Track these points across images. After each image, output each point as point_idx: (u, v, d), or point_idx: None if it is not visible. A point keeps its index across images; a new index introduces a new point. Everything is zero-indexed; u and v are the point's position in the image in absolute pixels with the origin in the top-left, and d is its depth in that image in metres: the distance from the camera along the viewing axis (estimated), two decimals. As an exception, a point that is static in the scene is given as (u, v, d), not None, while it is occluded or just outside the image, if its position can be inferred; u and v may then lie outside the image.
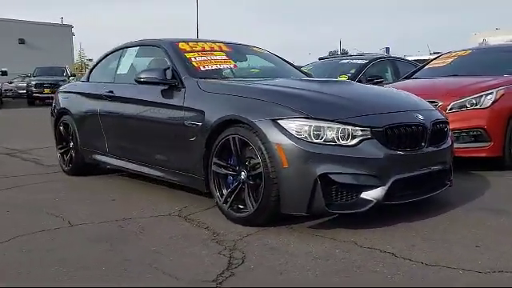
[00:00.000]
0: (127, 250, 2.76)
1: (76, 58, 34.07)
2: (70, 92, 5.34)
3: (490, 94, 4.88)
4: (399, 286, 2.25)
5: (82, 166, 5.04)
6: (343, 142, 2.92)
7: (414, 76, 6.35)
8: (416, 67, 8.21)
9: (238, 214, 3.21)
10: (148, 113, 3.98)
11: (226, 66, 4.17)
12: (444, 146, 3.42)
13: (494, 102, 4.85)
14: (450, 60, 6.28)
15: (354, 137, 2.94)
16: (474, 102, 4.87)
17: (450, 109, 4.82)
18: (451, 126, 3.85)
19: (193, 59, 4.01)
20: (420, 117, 3.23)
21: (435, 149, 3.30)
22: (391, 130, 3.03)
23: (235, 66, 4.25)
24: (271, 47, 4.99)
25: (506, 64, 5.82)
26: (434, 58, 6.76)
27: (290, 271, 2.43)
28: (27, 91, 19.23)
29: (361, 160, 2.91)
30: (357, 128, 2.94)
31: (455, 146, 3.83)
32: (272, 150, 2.94)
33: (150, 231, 3.12)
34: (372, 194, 2.95)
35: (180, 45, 4.19)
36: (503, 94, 4.92)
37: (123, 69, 4.65)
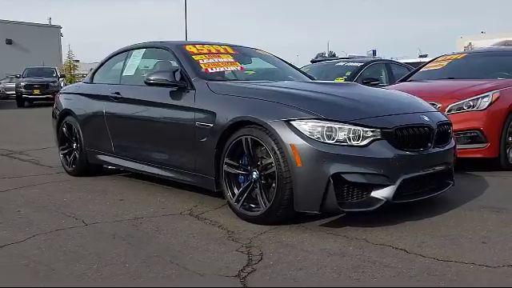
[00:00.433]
0: (147, 248, 2.83)
1: (65, 58, 33.84)
2: (73, 93, 5.37)
3: (486, 96, 5.04)
4: (403, 286, 2.34)
5: (85, 167, 5.08)
6: (354, 143, 3.02)
7: (410, 78, 6.50)
8: (408, 70, 8.40)
9: (250, 213, 3.29)
10: (157, 114, 4.04)
11: (233, 68, 4.25)
12: (448, 146, 3.54)
13: (490, 105, 5.00)
14: (446, 63, 6.43)
15: (364, 137, 3.04)
16: (471, 104, 5.02)
17: (448, 111, 4.96)
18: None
19: (200, 61, 4.09)
20: (426, 118, 3.35)
21: (440, 149, 3.42)
22: (400, 131, 3.14)
23: (242, 68, 4.34)
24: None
25: (499, 67, 6.00)
26: (430, 61, 6.91)
27: (309, 267, 2.51)
28: (17, 92, 19.06)
29: (371, 160, 3.02)
30: (367, 129, 3.05)
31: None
32: (286, 150, 3.03)
33: (165, 230, 3.19)
34: (382, 193, 3.06)
35: (187, 47, 4.27)
36: (498, 97, 5.07)
37: (129, 70, 4.70)
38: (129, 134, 4.44)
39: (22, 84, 18.90)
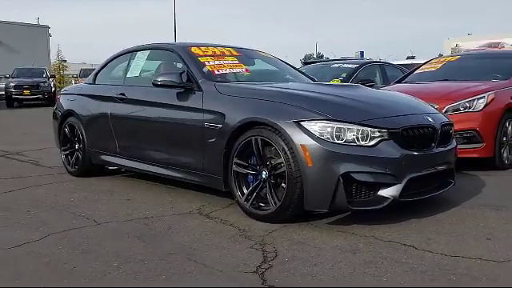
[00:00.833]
0: (162, 246, 2.89)
1: (54, 59, 33.62)
2: (75, 94, 5.40)
3: (482, 98, 5.18)
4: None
5: (88, 167, 5.11)
6: (363, 143, 3.12)
7: (405, 80, 6.63)
8: (401, 71, 8.55)
9: (260, 212, 3.37)
10: (164, 115, 4.10)
11: (238, 69, 4.33)
12: (449, 146, 3.66)
13: (485, 106, 5.15)
14: (440, 65, 6.58)
15: (372, 138, 3.14)
16: (468, 105, 5.16)
17: (445, 112, 5.07)
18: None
19: (206, 63, 4.15)
20: (430, 119, 3.47)
21: (443, 149, 3.54)
22: (406, 132, 3.25)
23: (247, 70, 4.41)
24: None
25: (492, 69, 6.15)
26: (424, 63, 7.05)
27: (323, 263, 2.60)
28: (6, 93, 18.89)
29: (379, 159, 3.12)
30: (375, 129, 3.15)
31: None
32: (296, 150, 3.11)
33: (177, 228, 3.25)
34: (389, 192, 3.16)
35: (192, 49, 4.33)
36: (493, 98, 5.22)
37: (134, 72, 4.75)
38: (134, 135, 4.49)
39: (12, 84, 18.73)
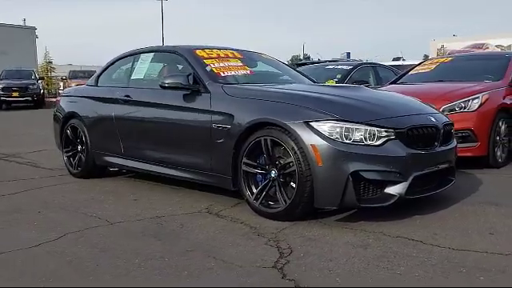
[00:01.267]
0: (178, 244, 2.97)
1: (41, 60, 33.33)
2: (77, 96, 5.43)
3: (477, 98, 5.34)
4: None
5: (91, 169, 5.15)
6: (370, 142, 3.23)
7: (400, 81, 6.78)
8: (393, 72, 8.71)
9: (269, 210, 3.46)
10: (171, 116, 4.17)
11: (243, 72, 4.41)
12: (451, 145, 3.80)
13: (480, 106, 5.31)
14: (433, 66, 6.74)
15: (379, 137, 3.25)
16: (463, 105, 5.31)
17: (441, 112, 5.22)
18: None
19: (212, 65, 4.24)
20: (433, 119, 3.60)
21: (444, 148, 3.67)
22: (411, 131, 3.37)
23: (251, 72, 4.51)
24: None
25: (484, 71, 6.32)
26: (418, 64, 7.21)
27: (338, 258, 2.70)
28: (-6, 95, 18.74)
29: (386, 158, 3.23)
30: (382, 129, 3.26)
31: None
32: (306, 149, 3.21)
33: (189, 227, 3.33)
34: (395, 189, 3.28)
35: (197, 52, 4.41)
36: (487, 99, 5.39)
37: (138, 74, 4.81)
38: (140, 136, 4.54)
39: (0, 86, 18.59)
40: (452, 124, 3.92)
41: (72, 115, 5.32)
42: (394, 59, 30.68)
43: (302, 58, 54.92)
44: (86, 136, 5.10)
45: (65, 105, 5.53)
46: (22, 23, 31.15)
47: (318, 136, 3.21)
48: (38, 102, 18.98)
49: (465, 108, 5.31)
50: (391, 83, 6.86)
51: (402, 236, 3.07)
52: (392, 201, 3.27)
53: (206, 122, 3.85)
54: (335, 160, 3.16)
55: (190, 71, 4.16)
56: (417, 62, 10.71)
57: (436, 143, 3.56)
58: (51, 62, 35.55)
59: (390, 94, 4.26)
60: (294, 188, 3.32)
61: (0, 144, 8.36)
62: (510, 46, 28.37)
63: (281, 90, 3.80)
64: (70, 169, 5.33)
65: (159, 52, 4.86)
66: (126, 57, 5.11)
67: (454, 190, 4.14)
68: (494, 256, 2.70)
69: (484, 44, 29.11)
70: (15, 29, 29.34)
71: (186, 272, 2.52)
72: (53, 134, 5.82)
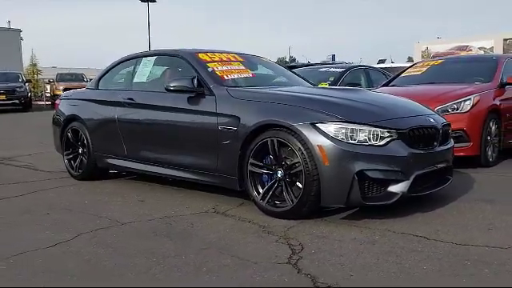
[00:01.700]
0: (191, 243, 3.06)
1: (27, 63, 33.02)
2: (77, 99, 5.48)
3: (468, 99, 5.52)
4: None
5: (93, 171, 5.21)
6: (374, 143, 3.36)
7: (392, 83, 6.94)
8: (384, 74, 8.88)
9: (276, 209, 3.57)
10: (176, 118, 4.25)
11: (245, 75, 4.52)
12: (448, 145, 3.95)
13: (472, 107, 5.50)
14: (425, 69, 6.92)
15: (382, 138, 3.38)
16: (455, 106, 5.49)
17: (435, 113, 5.39)
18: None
19: (215, 69, 4.33)
20: (432, 120, 3.75)
21: (443, 148, 3.82)
22: (413, 132, 3.51)
23: (253, 74, 4.61)
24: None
25: (474, 73, 6.52)
26: (409, 67, 7.39)
27: (348, 254, 2.82)
28: (-19, 98, 18.55)
29: (389, 158, 3.37)
30: (385, 130, 3.40)
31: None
32: (313, 150, 3.33)
33: (199, 226, 3.42)
34: (398, 188, 3.41)
35: (200, 55, 4.50)
36: (479, 100, 5.58)
37: (141, 77, 4.88)
38: (143, 138, 4.61)
39: (-14, 89, 18.42)
40: (449, 125, 4.07)
41: (73, 118, 5.37)
42: (380, 61, 31.05)
43: (287, 60, 55.11)
44: (87, 139, 5.15)
45: (65, 108, 5.57)
46: (6, 26, 30.84)
47: (324, 137, 3.33)
48: (25, 104, 18.86)
49: (457, 109, 5.49)
50: (383, 86, 7.02)
51: (406, 232, 3.20)
52: (395, 199, 3.40)
53: (211, 123, 3.94)
54: (341, 160, 3.28)
55: (193, 74, 4.25)
56: (402, 65, 10.91)
57: (435, 143, 3.71)
58: (35, 65, 35.25)
59: (389, 96, 4.40)
60: (300, 187, 3.44)
61: (-5, 147, 8.35)
62: (492, 48, 28.93)
63: (285, 93, 3.92)
64: (71, 171, 5.38)
65: (161, 55, 4.93)
66: (128, 60, 5.18)
67: (450, 189, 4.28)
68: (495, 250, 2.84)
69: (468, 46, 29.65)
70: (0, 31, 29.04)
71: (204, 268, 2.61)
72: (47, 136, 5.84)
